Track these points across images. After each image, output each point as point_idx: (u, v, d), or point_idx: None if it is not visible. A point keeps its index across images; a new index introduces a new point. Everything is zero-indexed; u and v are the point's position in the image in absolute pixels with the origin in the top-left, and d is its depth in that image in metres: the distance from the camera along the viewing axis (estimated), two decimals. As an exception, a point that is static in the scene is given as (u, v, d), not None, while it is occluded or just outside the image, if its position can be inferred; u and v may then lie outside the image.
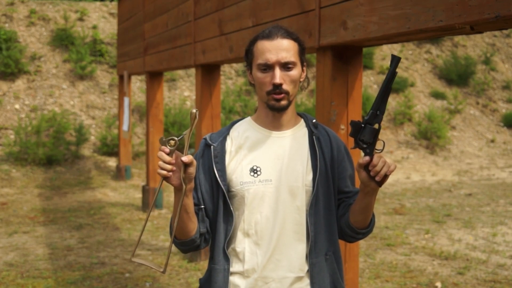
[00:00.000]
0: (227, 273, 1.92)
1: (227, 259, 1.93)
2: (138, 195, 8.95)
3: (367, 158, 1.80)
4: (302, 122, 2.01)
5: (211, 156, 1.94)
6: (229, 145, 1.97)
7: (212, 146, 1.95)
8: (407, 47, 15.52)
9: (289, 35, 1.91)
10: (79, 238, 6.48)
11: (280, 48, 1.87)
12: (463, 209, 8.18)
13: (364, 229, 1.97)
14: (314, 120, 2.01)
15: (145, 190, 7.96)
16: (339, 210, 2.00)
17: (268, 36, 1.89)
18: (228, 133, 1.99)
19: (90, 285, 4.98)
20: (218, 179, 1.92)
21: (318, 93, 3.25)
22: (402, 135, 13.10)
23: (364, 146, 1.82)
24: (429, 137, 12.88)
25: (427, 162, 12.09)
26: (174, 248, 6.11)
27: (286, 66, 1.88)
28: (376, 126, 1.82)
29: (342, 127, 3.13)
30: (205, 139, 1.98)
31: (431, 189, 9.84)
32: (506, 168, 11.87)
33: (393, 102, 13.82)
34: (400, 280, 5.15)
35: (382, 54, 14.98)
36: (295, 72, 1.89)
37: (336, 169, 1.98)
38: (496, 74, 15.63)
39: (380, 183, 1.82)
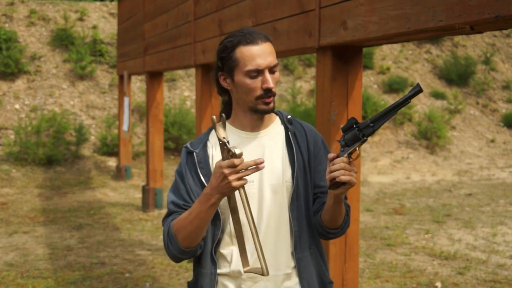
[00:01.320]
0: (214, 277, 1.92)
1: (214, 263, 1.93)
2: (138, 195, 8.95)
3: (333, 155, 1.79)
4: (277, 120, 2.03)
5: (195, 162, 1.94)
6: (211, 149, 1.97)
7: (194, 153, 1.95)
8: (407, 47, 15.52)
9: (267, 38, 1.93)
10: (79, 238, 6.48)
11: (266, 53, 1.88)
12: (463, 209, 8.18)
13: (334, 230, 1.96)
14: (289, 116, 2.02)
15: (145, 190, 7.96)
16: (313, 206, 1.99)
17: (252, 41, 1.89)
18: (208, 139, 1.99)
19: (90, 285, 4.98)
20: (205, 184, 1.91)
21: (318, 93, 3.25)
22: (402, 135, 13.10)
23: (343, 143, 1.81)
24: (429, 137, 12.88)
25: (427, 162, 12.09)
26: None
27: (272, 70, 1.90)
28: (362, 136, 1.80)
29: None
30: (186, 147, 1.98)
31: (431, 189, 9.84)
32: (506, 168, 11.87)
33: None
34: (400, 280, 5.15)
35: (382, 54, 14.98)
36: (278, 74, 1.93)
37: (313, 163, 1.98)
38: (496, 74, 15.63)
39: (332, 187, 1.80)
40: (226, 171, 1.68)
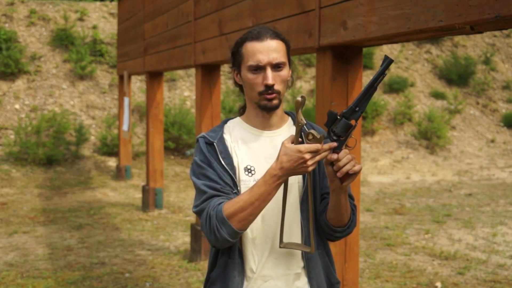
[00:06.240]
0: (241, 266, 1.93)
1: (240, 255, 1.94)
2: (138, 195, 8.95)
3: (336, 155, 1.79)
4: (290, 121, 2.06)
5: (217, 152, 1.94)
6: (229, 142, 1.99)
7: (214, 143, 1.96)
8: (407, 47, 15.52)
9: (277, 36, 1.93)
10: (79, 238, 6.47)
11: (270, 49, 1.89)
12: (463, 209, 8.18)
13: (340, 228, 1.97)
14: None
15: (145, 190, 7.96)
16: (320, 206, 2.01)
17: (258, 37, 1.91)
18: (223, 131, 2.01)
19: (90, 285, 4.98)
20: (230, 172, 1.92)
21: (318, 93, 3.25)
22: (402, 135, 13.10)
23: (335, 138, 1.80)
24: (429, 137, 12.88)
25: (427, 162, 12.09)
26: (174, 247, 6.12)
27: (276, 67, 1.90)
28: (353, 122, 1.80)
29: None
30: (204, 137, 1.99)
31: (431, 189, 9.84)
32: (506, 168, 11.87)
33: (393, 102, 13.83)
34: (400, 280, 5.15)
35: (382, 54, 14.97)
36: (285, 72, 1.93)
37: (322, 165, 1.99)
38: (496, 74, 15.63)
39: (342, 181, 1.81)
40: (307, 155, 1.74)
